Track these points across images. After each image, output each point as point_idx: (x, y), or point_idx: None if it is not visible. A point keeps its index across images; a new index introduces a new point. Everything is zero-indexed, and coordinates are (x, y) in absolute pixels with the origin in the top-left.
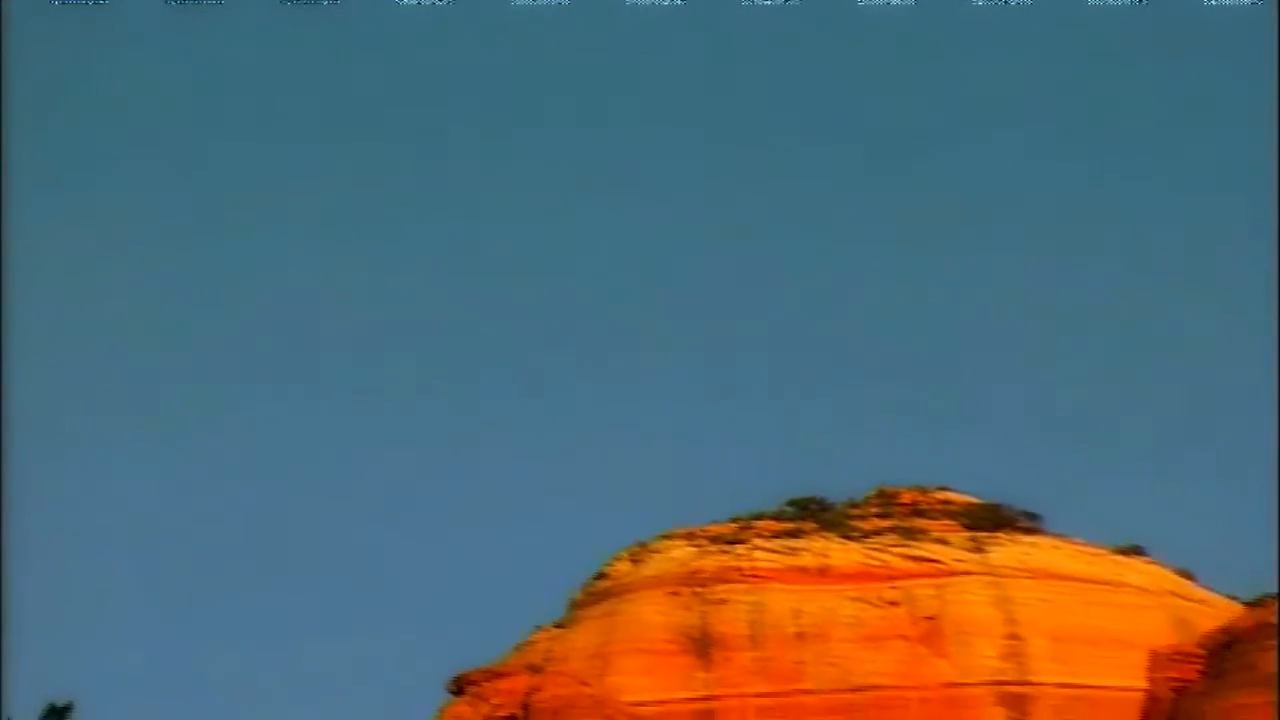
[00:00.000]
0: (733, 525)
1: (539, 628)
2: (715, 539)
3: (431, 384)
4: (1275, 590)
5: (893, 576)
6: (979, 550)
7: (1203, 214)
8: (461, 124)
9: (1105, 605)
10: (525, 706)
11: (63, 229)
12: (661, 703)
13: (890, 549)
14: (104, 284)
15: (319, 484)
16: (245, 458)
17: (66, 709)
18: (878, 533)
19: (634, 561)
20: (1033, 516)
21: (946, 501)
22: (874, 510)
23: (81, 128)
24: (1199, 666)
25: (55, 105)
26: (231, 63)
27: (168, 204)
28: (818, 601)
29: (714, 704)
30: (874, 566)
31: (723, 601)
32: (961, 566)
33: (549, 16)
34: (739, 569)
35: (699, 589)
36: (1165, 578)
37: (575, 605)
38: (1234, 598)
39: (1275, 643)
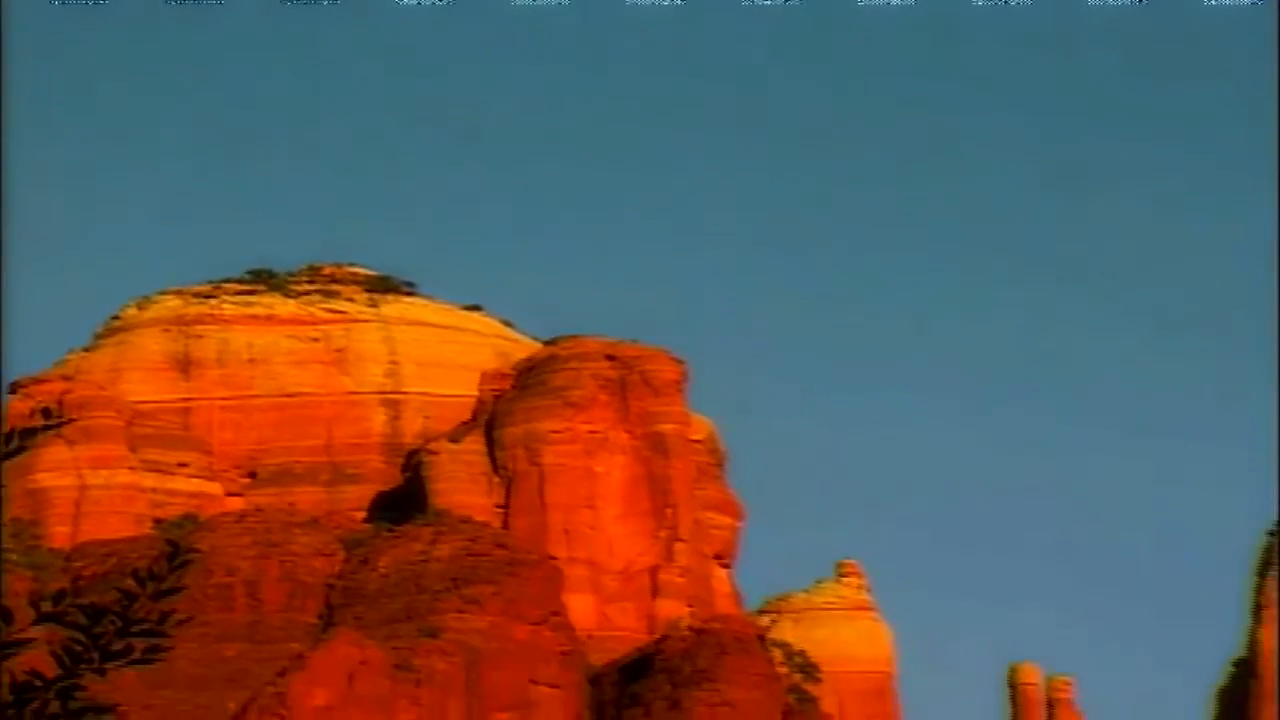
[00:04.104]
0: (209, 285)
1: (71, 350)
2: (196, 295)
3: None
4: (568, 332)
5: (316, 323)
6: (374, 306)
7: (1201, 215)
8: (461, 122)
9: (454, 343)
10: (60, 403)
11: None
12: (155, 403)
13: (315, 304)
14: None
15: None
16: None
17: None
18: (307, 294)
19: (139, 308)
20: (411, 284)
21: (354, 274)
22: (305, 278)
23: (81, 127)
24: (511, 382)
25: (55, 105)
26: (232, 63)
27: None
28: (265, 339)
29: (191, 404)
30: (304, 316)
31: (200, 337)
32: (362, 317)
33: (549, 16)
34: (212, 315)
35: (184, 328)
36: (493, 326)
37: (98, 336)
38: (537, 338)
39: (564, 367)
